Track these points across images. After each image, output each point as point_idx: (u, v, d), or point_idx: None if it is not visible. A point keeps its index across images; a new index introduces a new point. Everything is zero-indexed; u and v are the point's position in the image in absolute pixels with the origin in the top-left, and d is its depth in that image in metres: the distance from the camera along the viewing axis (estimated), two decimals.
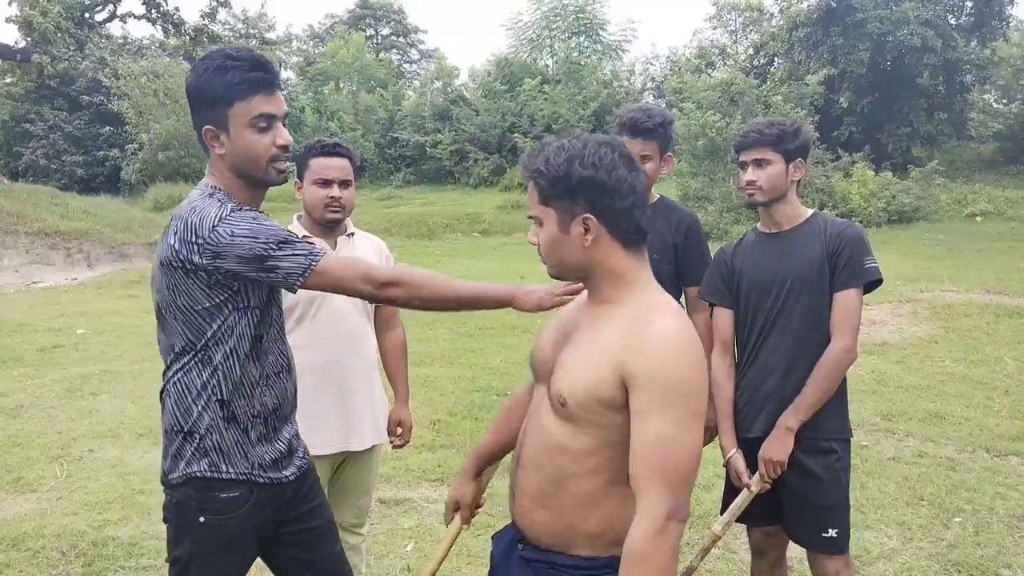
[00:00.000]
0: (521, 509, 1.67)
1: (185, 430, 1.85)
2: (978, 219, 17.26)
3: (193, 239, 1.72)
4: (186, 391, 1.84)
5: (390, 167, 26.75)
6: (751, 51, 27.20)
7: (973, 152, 24.58)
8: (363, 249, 2.75)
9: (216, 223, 1.72)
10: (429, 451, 4.70)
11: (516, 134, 23.80)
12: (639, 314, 1.52)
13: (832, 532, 2.45)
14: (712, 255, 2.80)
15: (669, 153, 2.76)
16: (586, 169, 1.51)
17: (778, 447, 2.38)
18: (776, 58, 25.17)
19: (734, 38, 31.27)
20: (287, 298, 2.56)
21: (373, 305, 2.82)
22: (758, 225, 2.62)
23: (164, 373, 1.92)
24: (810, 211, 2.55)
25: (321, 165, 2.61)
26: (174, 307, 1.80)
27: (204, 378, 1.83)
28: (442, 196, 22.56)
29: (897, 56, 21.12)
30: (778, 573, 2.77)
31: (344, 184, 2.63)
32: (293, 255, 1.73)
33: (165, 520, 1.95)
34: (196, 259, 1.73)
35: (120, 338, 8.05)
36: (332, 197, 2.60)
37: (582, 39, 28.63)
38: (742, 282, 2.55)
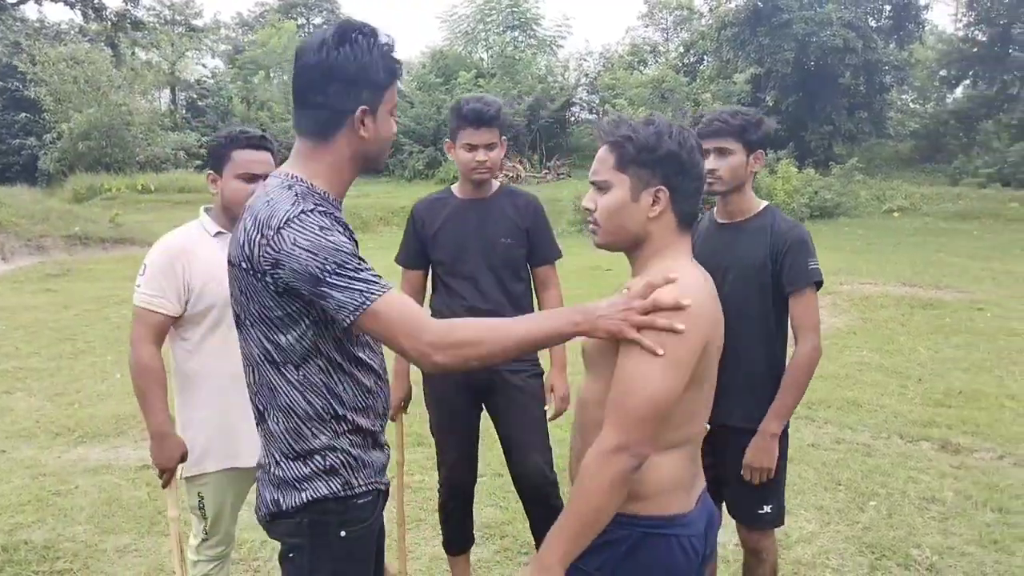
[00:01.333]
0: (570, 468, 1.78)
1: (302, 453, 1.66)
2: (895, 214, 18.00)
3: (258, 236, 1.54)
4: (291, 413, 1.65)
5: None
6: (681, 49, 27.74)
7: (891, 150, 25.59)
8: None
9: (283, 224, 1.52)
10: None
11: None
12: (649, 275, 1.61)
13: (767, 508, 2.56)
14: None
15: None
16: (673, 145, 1.60)
17: (765, 456, 2.45)
18: (706, 56, 25.73)
19: (665, 36, 31.85)
20: (201, 302, 2.37)
21: None
22: (715, 210, 2.65)
23: (253, 392, 1.71)
24: (763, 204, 2.58)
25: (245, 159, 2.43)
26: (249, 315, 1.62)
27: (308, 396, 1.64)
28: (376, 188, 22.29)
29: (820, 56, 21.82)
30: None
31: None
32: (348, 287, 1.50)
33: (289, 554, 1.71)
34: (258, 262, 1.54)
35: (36, 334, 7.73)
36: None
37: (517, 34, 28.68)
38: None
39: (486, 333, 1.56)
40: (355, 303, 1.50)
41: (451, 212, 2.85)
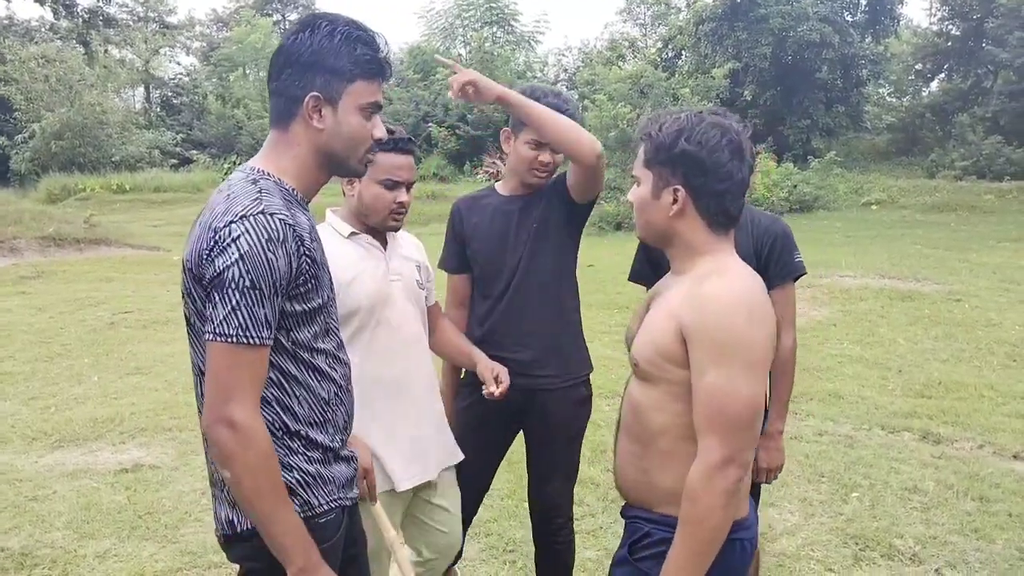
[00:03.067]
0: (616, 470, 1.78)
1: None
2: (873, 207, 18.16)
3: (208, 231, 1.44)
4: None
5: None
6: (660, 44, 27.78)
7: (868, 143, 25.80)
8: (407, 247, 2.46)
9: (238, 218, 1.43)
10: None
11: (430, 124, 23.66)
12: (701, 275, 1.59)
13: None
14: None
15: None
16: (690, 145, 1.58)
17: (778, 455, 2.51)
18: (684, 52, 25.79)
19: (644, 31, 31.92)
20: (344, 307, 2.10)
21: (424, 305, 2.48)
22: None
23: (201, 404, 1.56)
24: None
25: (390, 163, 2.24)
26: (198, 319, 1.51)
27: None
28: None
29: (797, 51, 21.96)
30: None
31: (410, 186, 2.33)
32: (234, 311, 1.41)
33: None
34: (202, 257, 1.44)
35: (10, 337, 7.59)
36: (400, 203, 2.28)
37: (495, 29, 28.64)
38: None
39: (263, 478, 1.44)
40: (221, 330, 1.41)
41: (492, 211, 2.58)
